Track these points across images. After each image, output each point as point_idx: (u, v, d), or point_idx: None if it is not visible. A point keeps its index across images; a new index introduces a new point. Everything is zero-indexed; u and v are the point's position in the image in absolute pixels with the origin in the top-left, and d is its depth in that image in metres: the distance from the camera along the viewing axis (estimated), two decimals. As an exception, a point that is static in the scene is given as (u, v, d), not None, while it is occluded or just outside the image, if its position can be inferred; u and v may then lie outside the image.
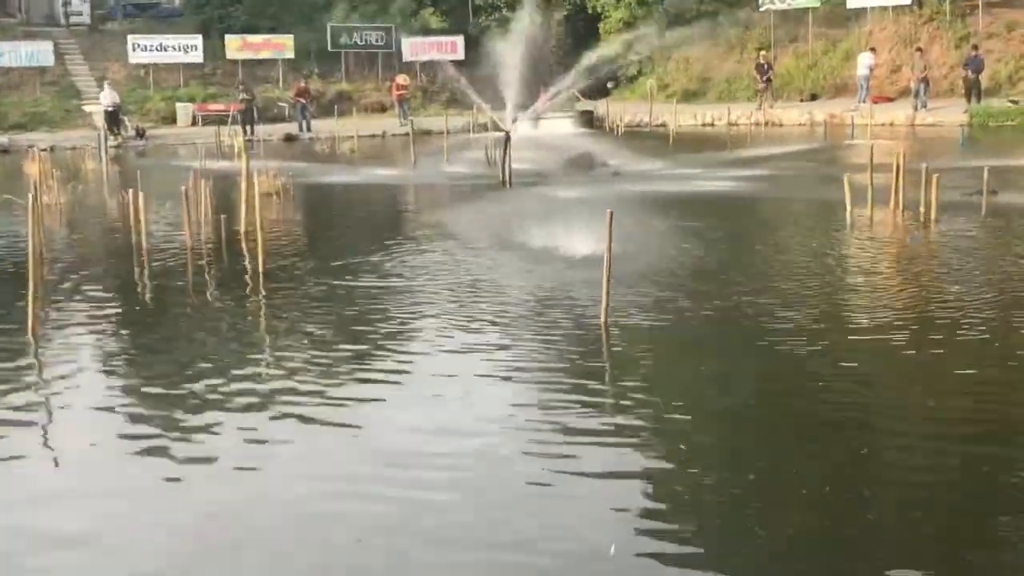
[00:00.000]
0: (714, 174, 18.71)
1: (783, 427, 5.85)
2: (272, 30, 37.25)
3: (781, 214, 14.23)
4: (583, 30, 37.58)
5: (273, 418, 6.10)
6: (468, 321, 8.22)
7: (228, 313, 8.96)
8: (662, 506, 4.86)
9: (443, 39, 39.03)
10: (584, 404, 6.14)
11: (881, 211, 12.54)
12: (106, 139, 26.86)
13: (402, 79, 34.79)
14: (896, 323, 7.78)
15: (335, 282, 9.83)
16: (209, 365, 7.23)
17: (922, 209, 12.30)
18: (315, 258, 11.37)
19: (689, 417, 5.95)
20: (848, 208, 12.35)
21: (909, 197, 12.66)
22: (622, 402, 6.18)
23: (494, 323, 8.12)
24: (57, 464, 5.66)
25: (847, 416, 5.93)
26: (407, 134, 28.96)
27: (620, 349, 7.34)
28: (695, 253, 10.79)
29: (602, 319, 7.74)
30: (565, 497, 4.92)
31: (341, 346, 7.63)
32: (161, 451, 5.65)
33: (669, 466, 5.30)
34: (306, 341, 7.72)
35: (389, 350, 7.49)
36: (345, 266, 10.66)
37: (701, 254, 10.75)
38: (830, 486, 4.97)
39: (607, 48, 32.25)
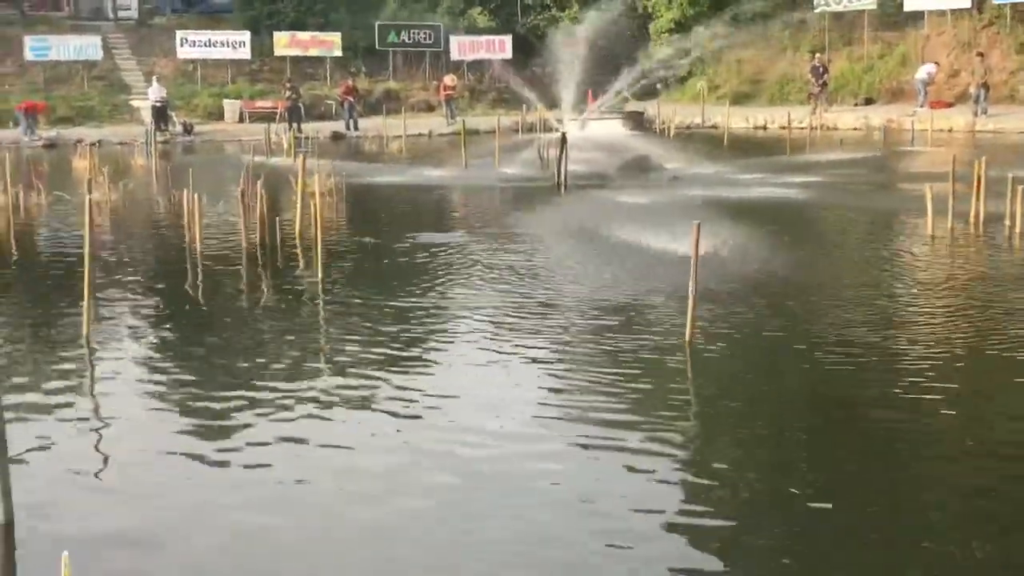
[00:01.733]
0: (776, 179, 18.23)
1: (893, 462, 5.46)
2: (321, 27, 37.08)
3: (855, 224, 13.80)
4: (634, 30, 37.12)
5: (330, 431, 5.92)
6: (535, 334, 7.97)
7: (286, 319, 8.76)
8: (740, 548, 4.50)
9: (491, 38, 38.67)
10: (666, 430, 5.88)
11: (958, 223, 12.06)
12: (154, 134, 26.73)
13: (449, 79, 34.48)
14: (1003, 345, 7.31)
15: (394, 290, 9.59)
16: (265, 372, 7.06)
17: (1007, 223, 11.79)
18: (372, 264, 11.16)
19: (778, 448, 5.65)
20: (929, 219, 11.85)
21: (986, 209, 12.20)
22: (708, 429, 5.96)
23: (566, 337, 7.85)
24: (107, 467, 5.58)
25: (955, 446, 5.51)
26: (454, 133, 28.89)
27: (704, 369, 7.09)
28: (775, 265, 10.42)
29: (687, 336, 7.46)
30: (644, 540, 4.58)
31: (403, 359, 7.39)
32: (222, 463, 5.55)
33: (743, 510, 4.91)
34: (367, 355, 7.49)
35: (454, 366, 7.27)
36: (403, 273, 10.41)
37: (782, 267, 10.37)
38: (943, 521, 4.63)
39: (664, 49, 31.77)
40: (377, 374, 6.97)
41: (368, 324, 8.31)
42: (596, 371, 7.01)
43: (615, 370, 6.98)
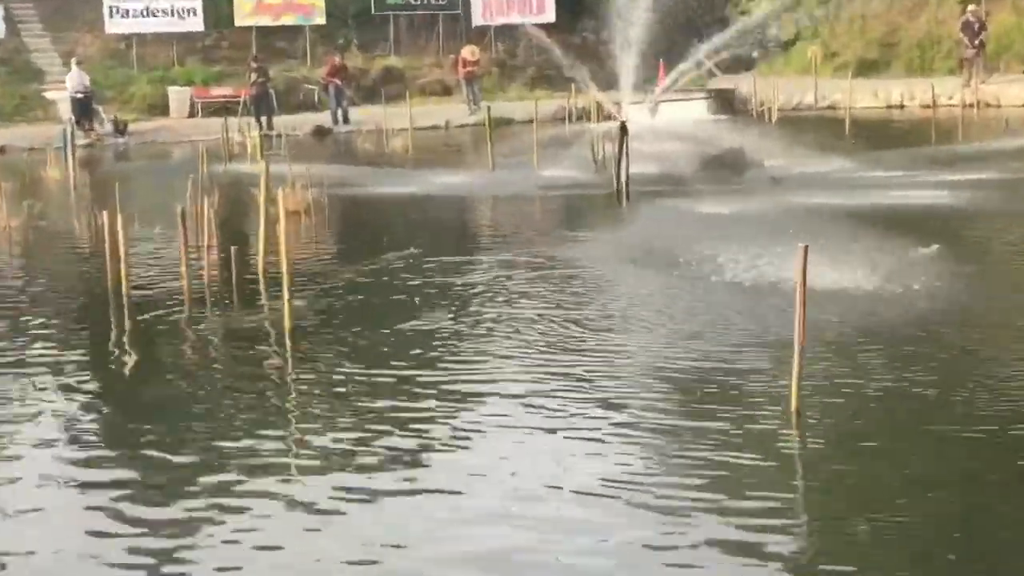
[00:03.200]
0: (918, 178, 18.10)
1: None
2: (297, -13, 37.41)
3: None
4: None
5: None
6: (590, 403, 7.90)
7: (244, 383, 8.76)
8: None
9: (526, -6, 38.84)
10: (764, 529, 5.89)
11: None
12: (74, 136, 26.93)
13: (470, 52, 34.58)
14: None
15: (393, 352, 9.51)
16: (210, 467, 7.05)
17: None
18: (362, 313, 11.07)
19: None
20: None
21: None
22: (818, 530, 6.00)
23: (632, 409, 7.80)
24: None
25: None
26: (478, 125, 28.92)
27: (815, 448, 7.14)
28: (920, 300, 10.26)
29: (792, 403, 7.38)
30: None
31: (405, 460, 7.26)
32: None
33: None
34: (351, 452, 7.37)
35: (481, 460, 7.21)
36: (405, 325, 10.32)
37: (931, 303, 10.19)
38: None
39: (762, 4, 31.70)
40: (366, 483, 6.83)
41: (353, 406, 8.19)
42: (670, 452, 7.00)
43: (697, 451, 6.96)
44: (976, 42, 31.54)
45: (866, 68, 35.36)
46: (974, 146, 22.05)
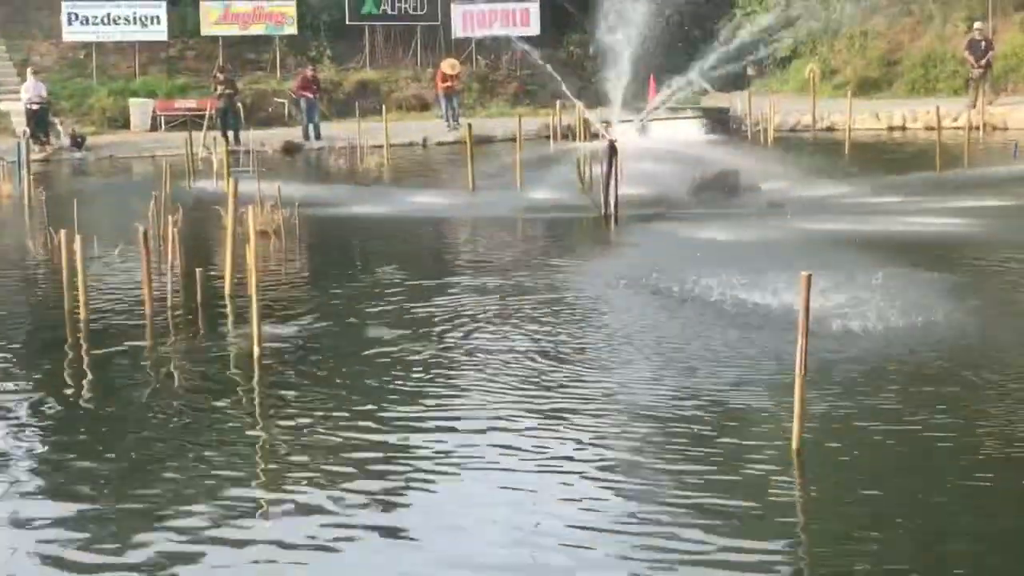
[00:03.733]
0: (923, 205, 18.15)
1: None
2: (266, -6, 37.38)
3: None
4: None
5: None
6: (579, 446, 7.90)
7: (209, 416, 8.72)
8: None
9: (510, 6, 38.84)
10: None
11: None
12: (29, 150, 26.84)
13: (450, 65, 34.62)
14: None
15: (368, 386, 9.49)
16: (174, 491, 7.08)
17: None
18: (333, 335, 11.10)
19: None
20: None
21: None
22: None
23: (621, 450, 7.81)
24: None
25: None
26: (457, 143, 28.92)
27: (819, 490, 7.15)
28: (927, 336, 10.30)
29: (793, 443, 7.40)
30: None
31: (362, 477, 7.32)
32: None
33: None
34: (322, 472, 7.48)
35: (457, 507, 7.16)
36: (375, 346, 10.41)
37: (938, 338, 10.25)
38: None
39: (759, 18, 31.77)
40: (332, 525, 6.80)
41: (322, 441, 8.18)
42: (658, 497, 6.94)
43: (687, 496, 6.94)
44: (983, 62, 31.66)
45: (867, 87, 35.51)
46: (981, 171, 22.06)
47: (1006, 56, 33.17)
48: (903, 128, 31.86)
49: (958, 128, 29.45)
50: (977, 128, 28.48)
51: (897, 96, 34.79)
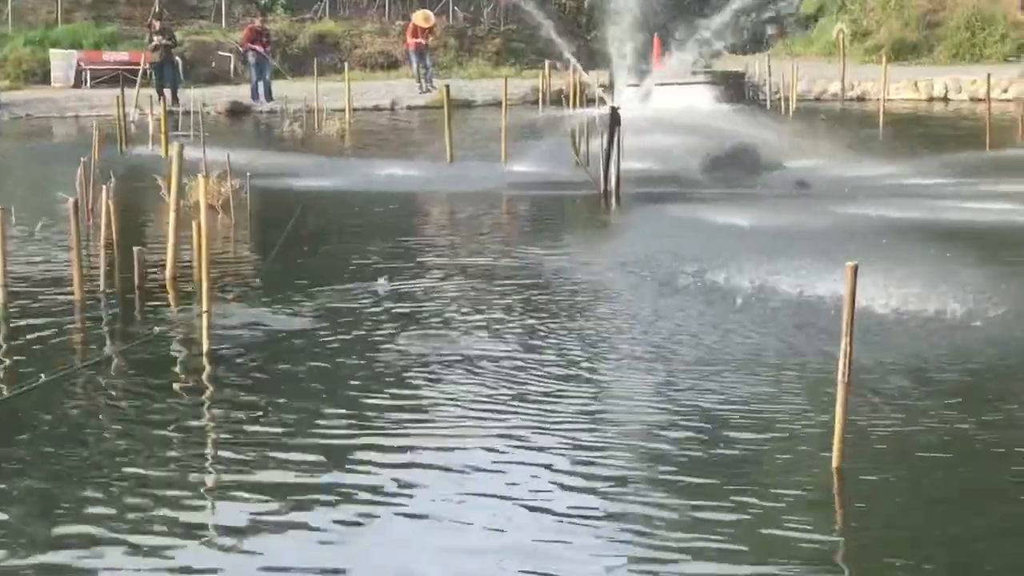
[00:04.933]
0: (972, 188, 18.29)
1: None
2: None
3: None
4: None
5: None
6: (578, 465, 7.80)
7: (147, 416, 8.64)
8: None
9: (493, -51, 38.94)
10: None
11: None
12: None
13: (423, 17, 34.64)
14: None
15: (328, 383, 9.46)
16: (106, 516, 6.97)
17: None
18: (288, 324, 11.01)
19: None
20: None
21: None
22: None
23: (625, 458, 7.77)
24: None
25: None
26: (431, 107, 28.88)
27: (861, 508, 7.15)
28: (980, 335, 10.27)
29: (834, 460, 7.36)
30: None
31: (319, 502, 7.26)
32: None
33: None
34: (272, 483, 7.43)
35: (428, 526, 7.05)
36: (335, 338, 10.42)
37: (992, 337, 10.22)
38: None
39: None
40: (282, 550, 6.74)
41: (273, 448, 8.11)
42: (674, 524, 6.88)
43: (711, 524, 6.87)
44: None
45: (904, 52, 35.60)
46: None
47: (1067, 17, 33.32)
48: (945, 99, 32.00)
49: (1008, 100, 29.60)
50: (1031, 100, 28.58)
51: (939, 63, 34.88)
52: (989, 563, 6.49)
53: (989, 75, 27.28)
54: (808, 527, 6.83)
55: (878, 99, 29.07)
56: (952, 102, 31.70)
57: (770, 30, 37.41)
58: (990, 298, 11.48)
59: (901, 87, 31.77)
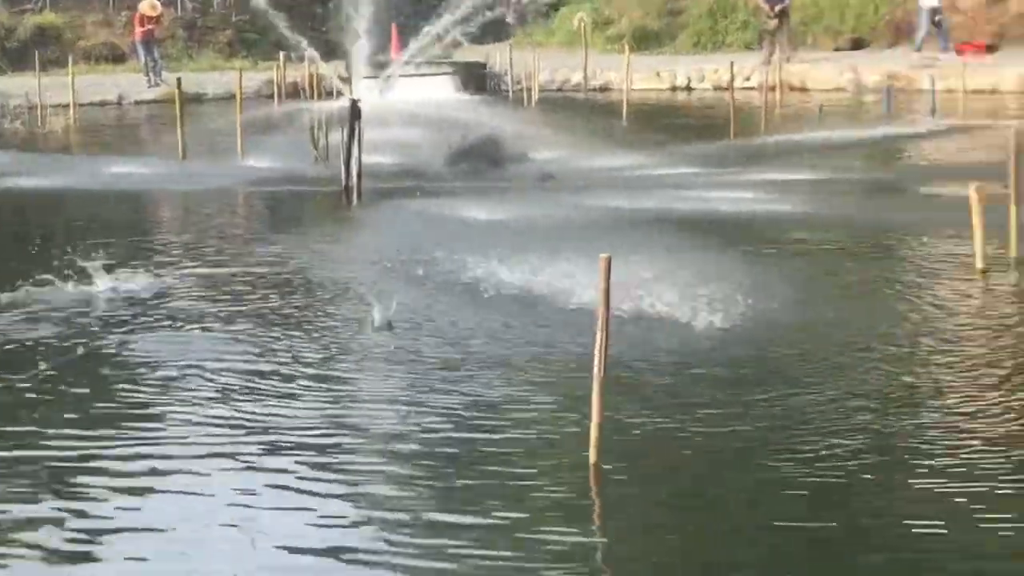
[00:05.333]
0: (716, 178, 18.62)
1: None
2: None
3: (857, 255, 13.92)
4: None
5: None
6: (328, 476, 7.60)
7: None
8: None
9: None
10: None
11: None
12: None
13: (150, 6, 34.21)
14: None
15: (33, 388, 9.22)
16: None
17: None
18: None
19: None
20: (977, 244, 12.08)
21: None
22: None
23: (363, 463, 7.69)
24: None
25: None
26: (164, 101, 28.53)
27: (618, 507, 7.18)
28: (729, 327, 10.41)
29: (591, 456, 7.34)
30: None
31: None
32: None
33: None
34: None
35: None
36: (52, 354, 10.01)
37: (739, 329, 10.37)
38: None
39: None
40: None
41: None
42: (412, 523, 6.83)
43: (479, 520, 6.86)
44: (777, 9, 32.48)
45: (646, 41, 36.10)
46: (779, 139, 22.91)
47: (804, 6, 34.16)
48: (688, 88, 32.70)
49: (751, 89, 30.31)
50: (773, 89, 29.24)
51: (681, 51, 35.49)
52: (742, 558, 6.55)
53: (732, 63, 27.91)
54: (566, 527, 6.81)
55: (621, 89, 29.53)
56: (695, 91, 32.34)
57: (510, 19, 37.66)
58: (743, 285, 11.64)
59: (644, 76, 32.21)
